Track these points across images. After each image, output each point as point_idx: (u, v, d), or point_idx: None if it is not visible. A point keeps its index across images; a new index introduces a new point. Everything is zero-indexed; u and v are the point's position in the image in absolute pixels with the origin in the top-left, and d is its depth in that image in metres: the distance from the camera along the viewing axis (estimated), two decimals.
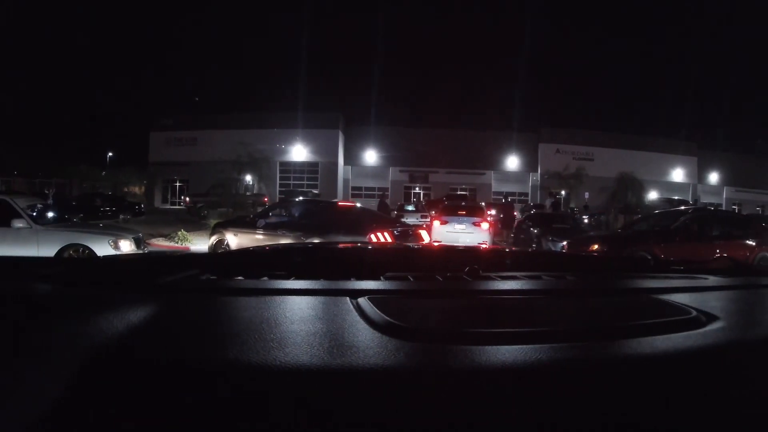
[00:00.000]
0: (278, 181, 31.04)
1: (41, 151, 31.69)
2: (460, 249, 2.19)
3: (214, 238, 8.54)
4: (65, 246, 6.50)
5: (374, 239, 6.41)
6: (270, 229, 7.60)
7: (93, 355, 0.55)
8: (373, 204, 20.20)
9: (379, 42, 58.80)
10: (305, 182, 31.49)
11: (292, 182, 31.62)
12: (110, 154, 35.98)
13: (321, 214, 7.96)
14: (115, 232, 7.36)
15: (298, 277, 1.14)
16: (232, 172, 19.28)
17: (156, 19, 57.42)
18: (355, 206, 9.17)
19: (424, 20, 61.18)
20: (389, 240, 6.54)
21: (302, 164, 32.21)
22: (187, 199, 20.91)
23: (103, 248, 6.49)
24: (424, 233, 7.77)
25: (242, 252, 2.26)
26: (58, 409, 0.49)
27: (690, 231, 8.34)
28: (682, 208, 14.13)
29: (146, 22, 56.61)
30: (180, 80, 52.31)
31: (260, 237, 7.59)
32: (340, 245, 2.25)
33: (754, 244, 8.21)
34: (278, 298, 0.84)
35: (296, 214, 8.02)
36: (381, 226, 7.00)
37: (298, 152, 31.86)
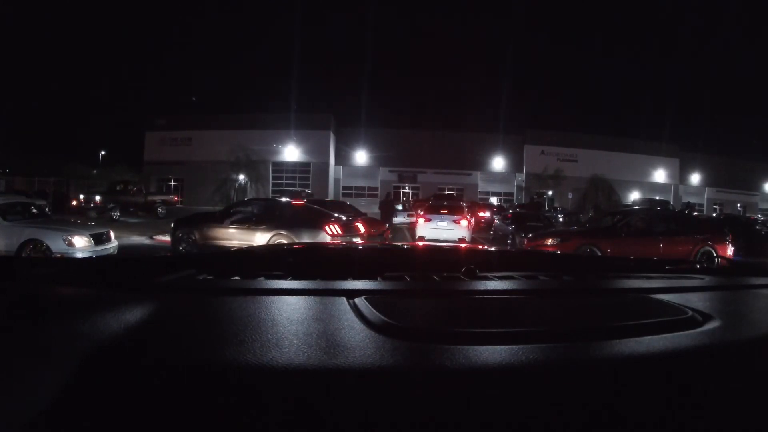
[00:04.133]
0: (271, 181, 31.64)
1: (38, 150, 32.00)
2: (456, 249, 2.16)
3: (178, 233, 8.99)
4: (25, 241, 6.94)
5: (328, 230, 7.45)
6: (235, 223, 8.40)
7: (90, 355, 0.55)
8: (363, 203, 20.97)
9: (369, 46, 60.01)
10: (297, 182, 32.11)
11: (284, 182, 32.20)
12: (102, 152, 36.15)
13: (279, 211, 8.78)
14: (73, 228, 7.59)
15: (295, 278, 1.13)
16: (230, 172, 19.84)
17: (151, 22, 57.71)
18: (306, 204, 9.91)
19: (413, 24, 62.08)
20: (339, 230, 7.53)
21: (294, 164, 32.85)
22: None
23: (56, 243, 6.92)
24: (360, 225, 8.52)
25: (239, 252, 2.32)
26: (55, 409, 0.49)
27: (634, 228, 9.13)
28: (637, 207, 15.05)
29: (141, 25, 56.91)
30: (175, 81, 52.61)
31: (224, 230, 8.39)
32: (338, 245, 2.16)
33: (695, 240, 8.96)
34: (275, 298, 0.84)
35: (256, 211, 8.79)
36: (330, 220, 7.95)
37: (291, 153, 32.51)
